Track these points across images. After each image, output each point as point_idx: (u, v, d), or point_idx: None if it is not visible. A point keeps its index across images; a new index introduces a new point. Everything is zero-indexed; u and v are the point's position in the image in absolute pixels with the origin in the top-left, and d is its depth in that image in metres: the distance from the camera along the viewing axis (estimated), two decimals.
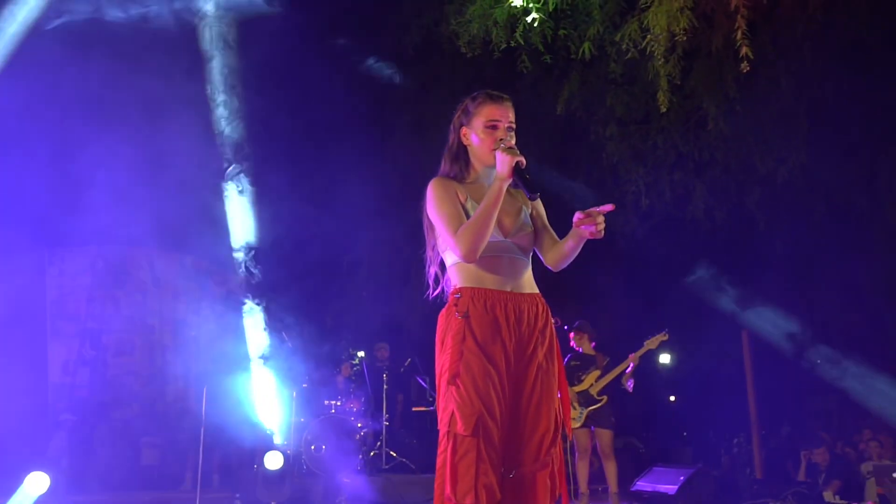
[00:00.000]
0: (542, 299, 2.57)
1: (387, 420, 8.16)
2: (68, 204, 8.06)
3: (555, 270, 2.64)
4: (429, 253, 2.67)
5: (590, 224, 2.37)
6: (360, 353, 11.34)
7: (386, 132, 9.68)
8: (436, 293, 2.69)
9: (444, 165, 2.65)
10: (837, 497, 7.47)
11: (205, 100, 9.60)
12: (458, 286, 2.49)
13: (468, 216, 2.45)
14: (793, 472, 9.72)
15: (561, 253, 2.56)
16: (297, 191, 10.62)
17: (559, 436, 2.52)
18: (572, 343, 6.74)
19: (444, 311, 2.52)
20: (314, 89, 9.34)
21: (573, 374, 6.55)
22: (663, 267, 10.36)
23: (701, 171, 7.54)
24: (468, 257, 2.39)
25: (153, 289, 10.74)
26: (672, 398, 21.33)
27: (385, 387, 8.27)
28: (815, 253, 8.96)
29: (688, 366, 17.39)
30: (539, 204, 2.70)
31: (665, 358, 18.78)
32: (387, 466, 7.93)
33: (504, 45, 6.14)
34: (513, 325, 2.43)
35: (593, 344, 6.70)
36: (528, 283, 2.55)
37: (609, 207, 2.40)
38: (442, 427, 2.39)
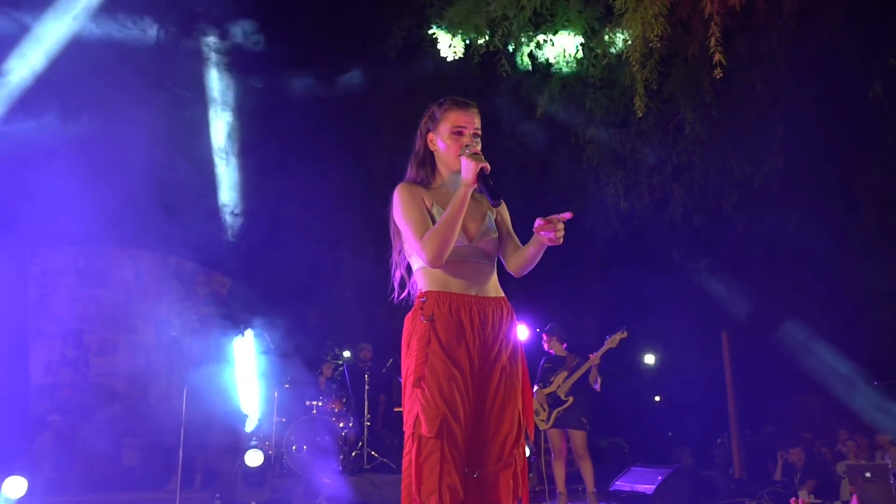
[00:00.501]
0: (507, 303, 2.62)
1: (368, 420, 8.21)
2: (50, 203, 8.04)
3: (517, 276, 2.69)
4: (394, 257, 2.72)
5: (549, 231, 2.42)
6: (346, 354, 11.38)
7: (370, 134, 9.72)
8: (402, 297, 2.74)
9: (411, 171, 2.69)
10: (812, 496, 7.57)
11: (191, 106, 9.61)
12: (423, 290, 2.54)
13: (434, 222, 2.50)
14: (772, 472, 9.85)
15: (523, 259, 2.61)
16: (281, 190, 10.65)
17: (522, 436, 2.57)
18: (545, 346, 6.82)
19: (409, 314, 2.56)
20: (297, 91, 9.39)
21: (546, 377, 6.66)
22: (645, 268, 10.44)
23: (679, 174, 7.63)
24: (434, 263, 2.44)
25: (136, 288, 10.73)
26: (657, 398, 21.46)
27: (367, 387, 8.31)
28: (793, 255, 9.07)
29: (672, 366, 17.49)
30: (504, 210, 2.75)
31: (650, 358, 18.90)
32: (368, 467, 7.97)
33: (484, 50, 6.20)
34: (477, 329, 2.49)
35: (564, 345, 6.78)
36: (492, 286, 2.60)
37: (567, 215, 2.45)
38: (407, 429, 2.45)
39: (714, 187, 7.57)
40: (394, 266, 2.73)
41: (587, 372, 6.44)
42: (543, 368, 6.75)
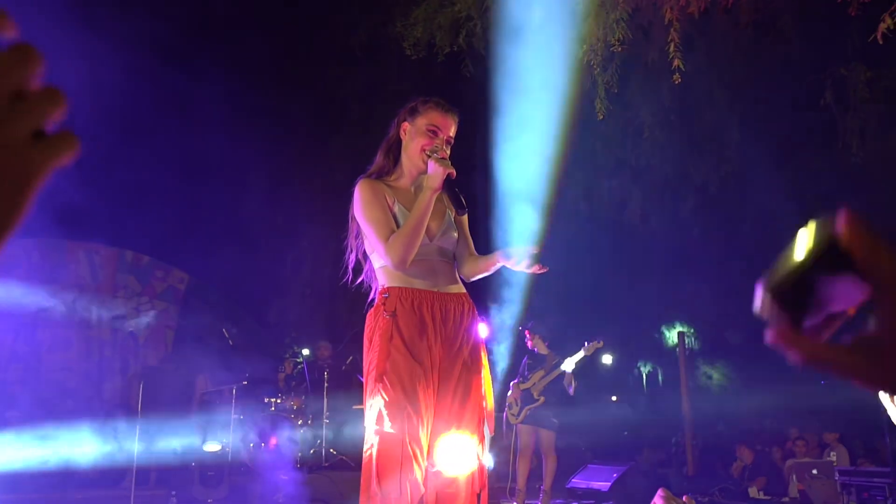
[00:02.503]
0: (469, 298, 2.64)
1: (327, 418, 8.16)
2: None
3: (466, 281, 2.71)
4: (350, 241, 2.71)
5: (522, 264, 2.47)
6: (305, 352, 11.31)
7: (332, 131, 9.69)
8: (357, 282, 2.72)
9: (378, 156, 2.69)
10: (762, 493, 7.76)
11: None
12: (385, 286, 2.54)
13: (396, 221, 2.51)
14: (722, 470, 10.05)
15: (478, 269, 2.65)
16: (242, 186, 10.56)
17: (481, 430, 2.60)
18: (528, 343, 6.84)
19: (372, 310, 2.57)
20: (261, 86, 9.32)
21: (525, 373, 6.67)
22: (604, 268, 10.59)
23: (638, 177, 7.75)
24: (399, 267, 2.45)
25: (91, 283, 10.54)
26: (614, 398, 21.75)
27: (326, 385, 8.26)
28: (747, 259, 9.28)
29: (629, 366, 17.73)
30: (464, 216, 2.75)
31: (607, 359, 19.15)
32: (326, 464, 7.92)
33: (448, 49, 6.23)
34: (439, 324, 2.50)
35: (547, 343, 6.79)
36: (453, 282, 2.62)
37: (533, 250, 2.49)
38: (368, 424, 2.45)
39: (672, 191, 7.71)
40: (349, 249, 2.71)
41: (562, 375, 6.47)
42: (525, 364, 6.77)
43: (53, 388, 9.40)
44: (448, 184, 2.46)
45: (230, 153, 10.31)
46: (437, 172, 2.44)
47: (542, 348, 6.75)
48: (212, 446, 6.56)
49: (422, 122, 2.59)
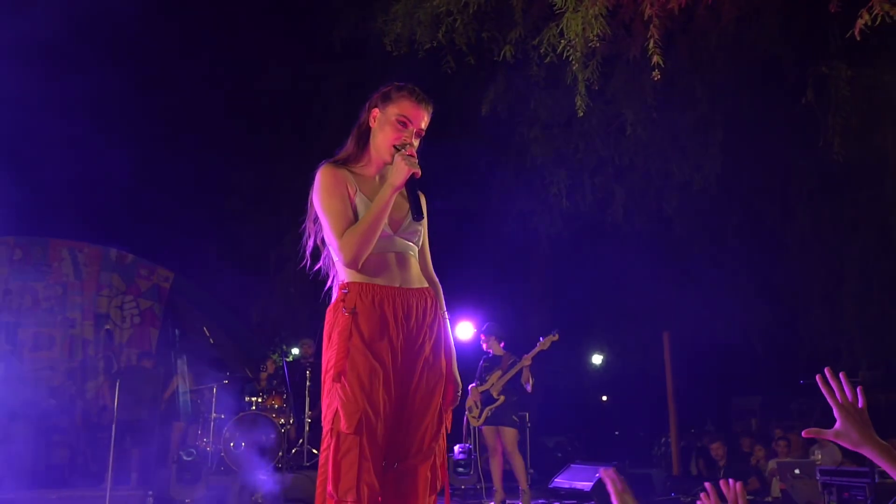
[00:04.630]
0: (432, 293, 2.55)
1: (309, 417, 8.11)
2: None
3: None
4: (308, 225, 2.59)
5: None
6: (295, 351, 11.25)
7: (316, 127, 9.64)
8: (315, 268, 2.64)
9: (349, 143, 2.56)
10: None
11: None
12: (345, 281, 2.44)
13: (355, 211, 2.41)
14: (704, 470, 10.03)
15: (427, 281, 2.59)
16: (226, 184, 10.52)
17: (442, 429, 2.54)
18: (483, 345, 6.86)
19: (331, 306, 2.48)
20: (242, 81, 9.27)
21: (482, 375, 6.72)
22: (590, 268, 10.57)
23: (621, 175, 7.72)
24: (351, 265, 2.37)
25: (75, 281, 10.47)
26: (604, 398, 21.75)
27: (308, 384, 8.20)
28: (731, 258, 9.28)
29: (618, 366, 17.74)
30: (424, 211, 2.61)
31: (597, 359, 19.14)
32: (308, 464, 7.85)
33: (428, 45, 6.18)
34: (401, 321, 2.42)
35: (502, 344, 6.82)
36: (416, 277, 2.52)
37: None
38: (326, 424, 2.38)
39: (655, 189, 7.68)
40: (306, 235, 2.60)
41: (520, 372, 6.50)
42: (481, 367, 6.81)
43: (35, 388, 9.33)
44: (410, 184, 2.37)
45: (214, 152, 10.27)
46: (401, 169, 2.34)
47: (497, 349, 6.79)
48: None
49: (392, 111, 2.45)
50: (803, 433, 1.66)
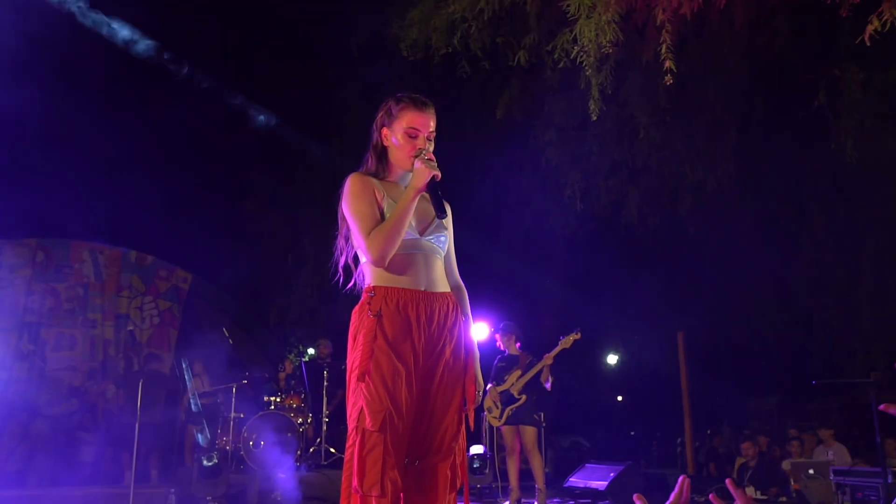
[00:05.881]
0: (454, 298, 2.64)
1: (327, 416, 8.22)
2: (9, 196, 7.96)
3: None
4: (340, 242, 2.71)
5: None
6: (311, 351, 11.36)
7: (333, 131, 9.75)
8: (349, 287, 2.72)
9: (371, 161, 2.67)
10: (759, 493, 7.77)
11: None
12: (371, 285, 2.54)
13: (383, 214, 2.51)
14: (721, 470, 10.08)
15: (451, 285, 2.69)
16: (241, 186, 10.63)
17: (462, 429, 2.63)
18: (499, 345, 6.87)
19: (357, 308, 2.57)
20: (260, 86, 9.37)
21: (500, 375, 6.70)
22: (604, 269, 10.61)
23: (634, 178, 7.77)
24: (378, 263, 2.46)
25: (95, 283, 10.63)
26: (619, 398, 21.73)
27: (325, 383, 8.31)
28: (746, 258, 9.28)
29: (632, 366, 17.72)
30: (449, 217, 2.74)
31: (611, 359, 19.13)
32: (325, 462, 7.97)
33: (444, 51, 6.27)
34: (423, 324, 2.51)
35: (518, 344, 6.83)
36: (440, 281, 2.61)
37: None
38: (351, 422, 2.46)
39: (668, 191, 7.72)
40: (338, 251, 2.71)
41: (540, 371, 6.50)
42: (497, 367, 6.80)
43: (57, 387, 9.49)
44: (432, 185, 2.47)
45: (233, 153, 10.40)
46: (422, 173, 2.45)
47: (513, 349, 6.79)
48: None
49: (399, 126, 2.56)
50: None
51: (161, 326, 10.86)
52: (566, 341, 6.38)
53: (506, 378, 6.61)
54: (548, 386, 6.50)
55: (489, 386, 6.67)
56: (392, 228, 2.44)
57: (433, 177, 2.46)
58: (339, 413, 8.88)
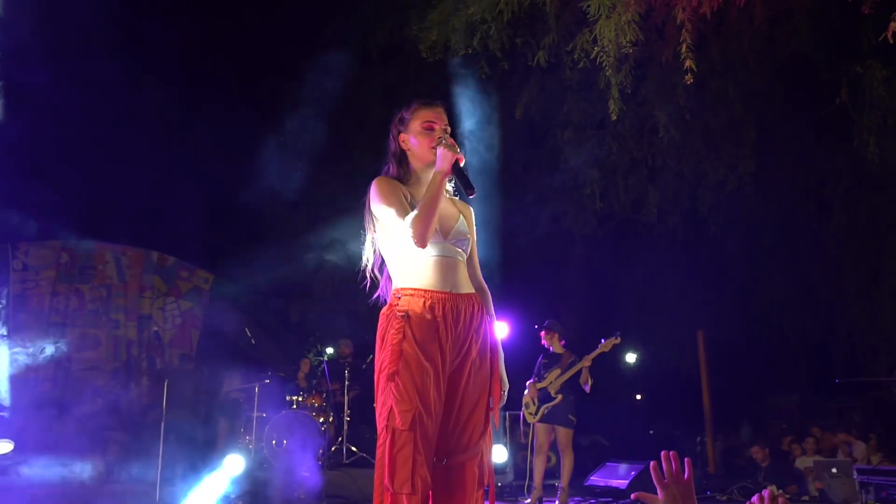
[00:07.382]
0: (478, 299, 2.69)
1: (348, 416, 8.28)
2: (33, 197, 8.09)
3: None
4: (367, 248, 2.78)
5: None
6: (329, 350, 11.42)
7: (354, 132, 9.80)
8: (376, 295, 2.80)
9: (392, 168, 2.74)
10: (781, 491, 7.74)
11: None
12: (399, 287, 2.61)
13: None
14: (743, 469, 10.02)
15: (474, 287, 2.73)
16: (265, 186, 10.70)
17: (488, 427, 2.68)
18: (543, 342, 6.87)
19: (385, 309, 2.63)
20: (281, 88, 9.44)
21: (540, 372, 6.70)
22: (624, 267, 10.60)
23: (654, 176, 7.75)
24: (420, 242, 2.48)
25: (118, 284, 10.75)
26: (638, 396, 21.65)
27: (347, 383, 8.37)
28: (768, 257, 9.24)
29: (652, 365, 17.65)
30: (471, 217, 2.82)
31: (630, 357, 19.06)
32: (347, 461, 8.03)
33: (463, 52, 6.30)
34: (450, 325, 2.56)
35: (563, 342, 6.81)
36: (465, 283, 2.67)
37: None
38: (381, 422, 2.52)
39: (689, 189, 7.70)
40: (365, 259, 2.79)
41: (579, 372, 6.49)
42: (539, 364, 6.79)
43: (82, 387, 9.62)
44: (456, 168, 2.53)
45: (254, 155, 10.46)
46: (445, 156, 2.50)
47: (557, 347, 6.78)
48: (235, 464, 6.67)
49: (415, 125, 2.64)
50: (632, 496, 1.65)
51: (183, 327, 10.96)
52: (606, 345, 6.37)
53: (545, 375, 6.61)
54: (587, 388, 6.48)
55: (529, 382, 6.67)
56: (428, 208, 2.48)
57: (456, 160, 2.51)
58: (359, 411, 8.94)
